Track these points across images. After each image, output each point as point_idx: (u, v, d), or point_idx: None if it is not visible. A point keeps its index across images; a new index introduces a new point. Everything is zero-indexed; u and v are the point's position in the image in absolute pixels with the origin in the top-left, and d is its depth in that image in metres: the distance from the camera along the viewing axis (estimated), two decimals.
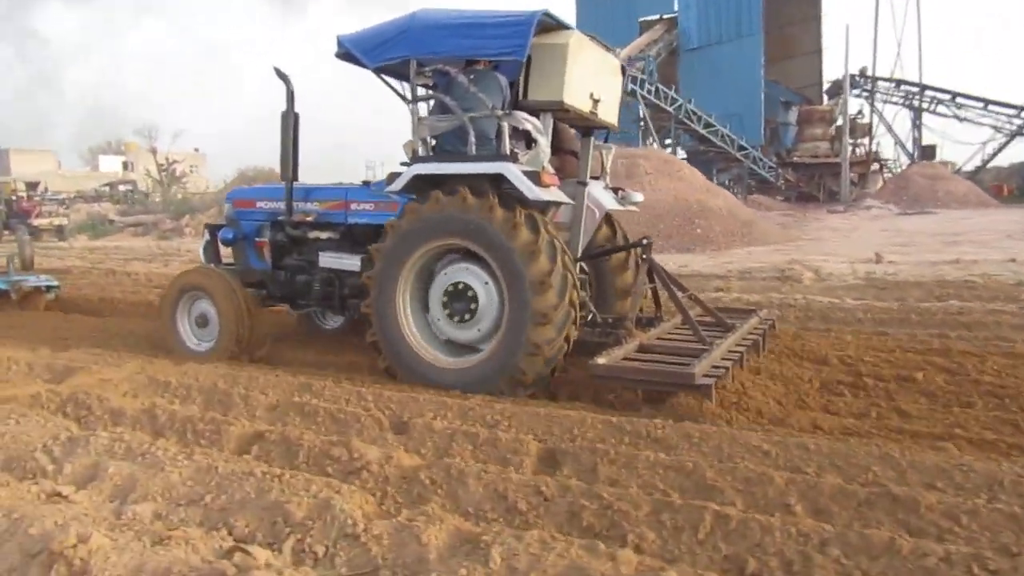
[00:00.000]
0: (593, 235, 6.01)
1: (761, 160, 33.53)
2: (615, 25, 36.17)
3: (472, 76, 5.06)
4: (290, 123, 6.02)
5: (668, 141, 33.55)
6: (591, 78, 5.32)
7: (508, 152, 4.93)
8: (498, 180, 4.91)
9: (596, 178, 6.07)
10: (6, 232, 26.36)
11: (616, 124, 5.94)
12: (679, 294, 5.43)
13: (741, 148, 32.46)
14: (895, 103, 40.79)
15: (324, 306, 6.24)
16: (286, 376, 5.09)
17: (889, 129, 39.87)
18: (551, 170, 5.22)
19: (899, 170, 38.36)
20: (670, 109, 30.77)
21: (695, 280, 10.45)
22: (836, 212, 29.51)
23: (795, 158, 35.61)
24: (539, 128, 5.06)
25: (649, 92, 29.98)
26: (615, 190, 6.13)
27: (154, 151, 47.63)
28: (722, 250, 17.20)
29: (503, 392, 4.75)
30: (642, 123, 31.34)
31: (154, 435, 3.89)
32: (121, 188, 41.96)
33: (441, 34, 5.03)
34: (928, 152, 40.32)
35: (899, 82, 39.64)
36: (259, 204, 6.45)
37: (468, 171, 4.97)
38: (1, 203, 28.31)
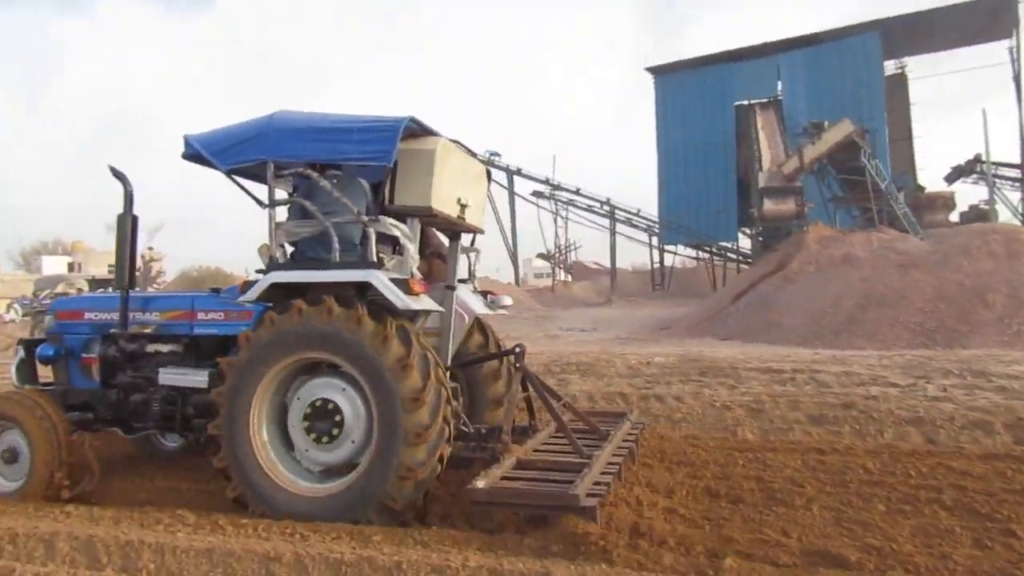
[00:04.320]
0: (463, 341, 5.81)
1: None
2: (705, 109, 35.07)
3: (335, 180, 4.82)
4: (127, 226, 5.46)
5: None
6: (458, 183, 5.23)
7: (375, 259, 4.68)
8: (364, 288, 4.63)
9: (464, 281, 5.91)
10: None
11: (482, 228, 5.86)
12: (553, 403, 5.27)
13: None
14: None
15: (163, 428, 5.53)
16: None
17: (1017, 215, 37.08)
18: (420, 276, 5.02)
19: None
20: (883, 186, 28.13)
21: None
22: None
23: None
24: (407, 234, 4.86)
25: (874, 168, 27.53)
26: (483, 294, 5.99)
27: None
28: None
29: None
30: (830, 201, 28.77)
31: None
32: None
33: (302, 137, 4.78)
34: None
35: None
36: (88, 315, 5.71)
37: (332, 279, 4.66)
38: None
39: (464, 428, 5.36)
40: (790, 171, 26.73)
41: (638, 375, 10.63)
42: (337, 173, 4.99)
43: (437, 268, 5.83)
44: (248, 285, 4.81)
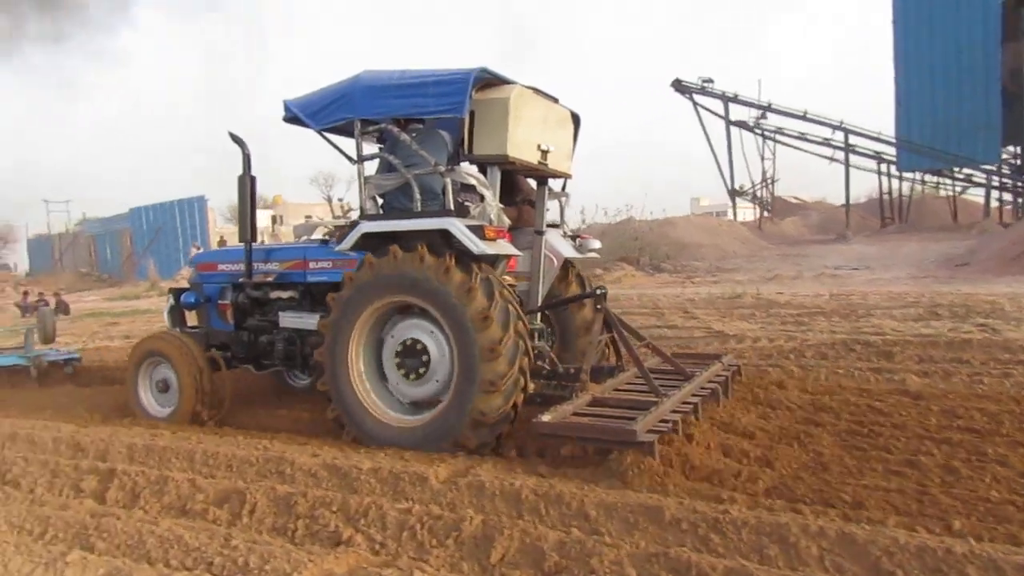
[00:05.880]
0: (553, 284, 5.98)
1: None
2: (959, 6, 31.12)
3: (415, 134, 5.09)
4: (247, 186, 6.06)
5: None
6: (537, 130, 5.32)
7: (453, 207, 4.92)
8: (448, 235, 4.90)
9: (554, 226, 6.04)
10: None
11: (569, 172, 5.93)
12: (635, 344, 5.33)
13: None
14: None
15: (287, 365, 6.20)
16: None
17: None
18: (506, 222, 5.22)
19: None
20: None
21: None
22: None
23: None
24: (483, 182, 5.06)
25: None
26: (573, 237, 6.09)
27: (330, 200, 45.39)
28: None
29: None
30: None
31: None
32: None
33: (383, 95, 5.07)
34: None
35: None
36: (221, 267, 6.48)
37: (413, 227, 4.96)
38: None
39: (549, 367, 5.56)
40: None
41: None
42: (419, 127, 5.26)
43: (527, 214, 6.00)
44: (344, 235, 5.24)
